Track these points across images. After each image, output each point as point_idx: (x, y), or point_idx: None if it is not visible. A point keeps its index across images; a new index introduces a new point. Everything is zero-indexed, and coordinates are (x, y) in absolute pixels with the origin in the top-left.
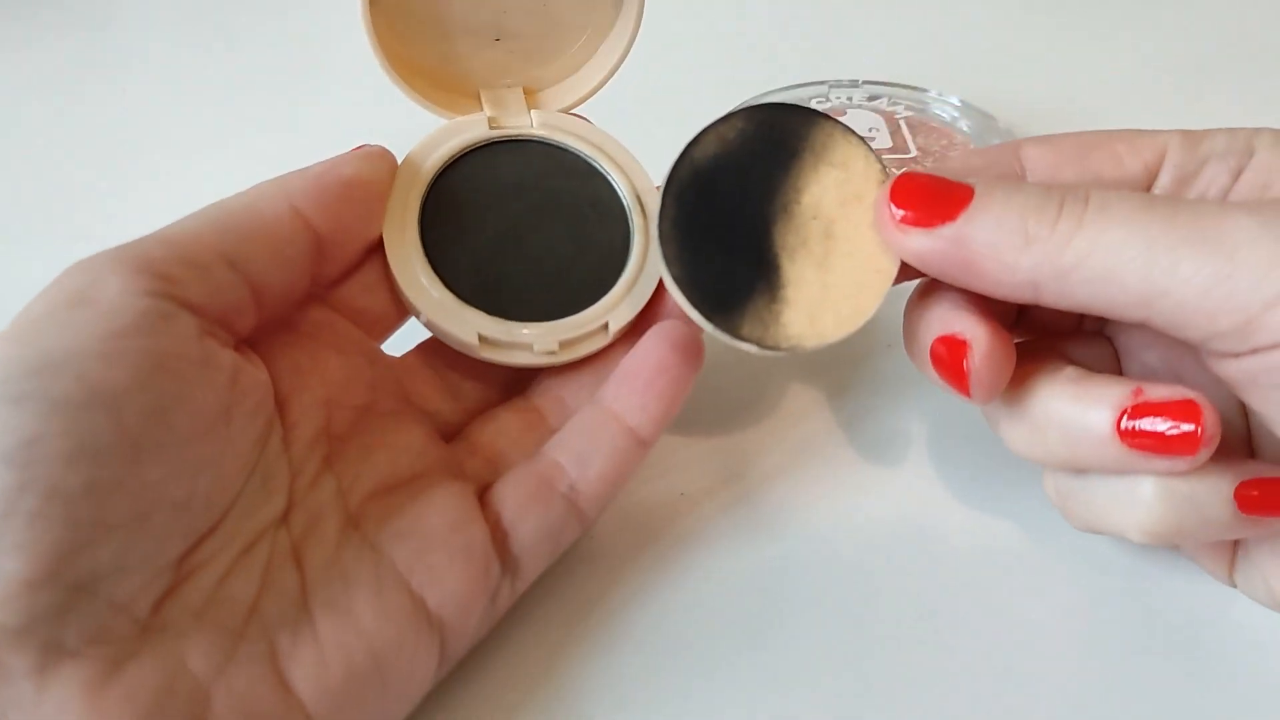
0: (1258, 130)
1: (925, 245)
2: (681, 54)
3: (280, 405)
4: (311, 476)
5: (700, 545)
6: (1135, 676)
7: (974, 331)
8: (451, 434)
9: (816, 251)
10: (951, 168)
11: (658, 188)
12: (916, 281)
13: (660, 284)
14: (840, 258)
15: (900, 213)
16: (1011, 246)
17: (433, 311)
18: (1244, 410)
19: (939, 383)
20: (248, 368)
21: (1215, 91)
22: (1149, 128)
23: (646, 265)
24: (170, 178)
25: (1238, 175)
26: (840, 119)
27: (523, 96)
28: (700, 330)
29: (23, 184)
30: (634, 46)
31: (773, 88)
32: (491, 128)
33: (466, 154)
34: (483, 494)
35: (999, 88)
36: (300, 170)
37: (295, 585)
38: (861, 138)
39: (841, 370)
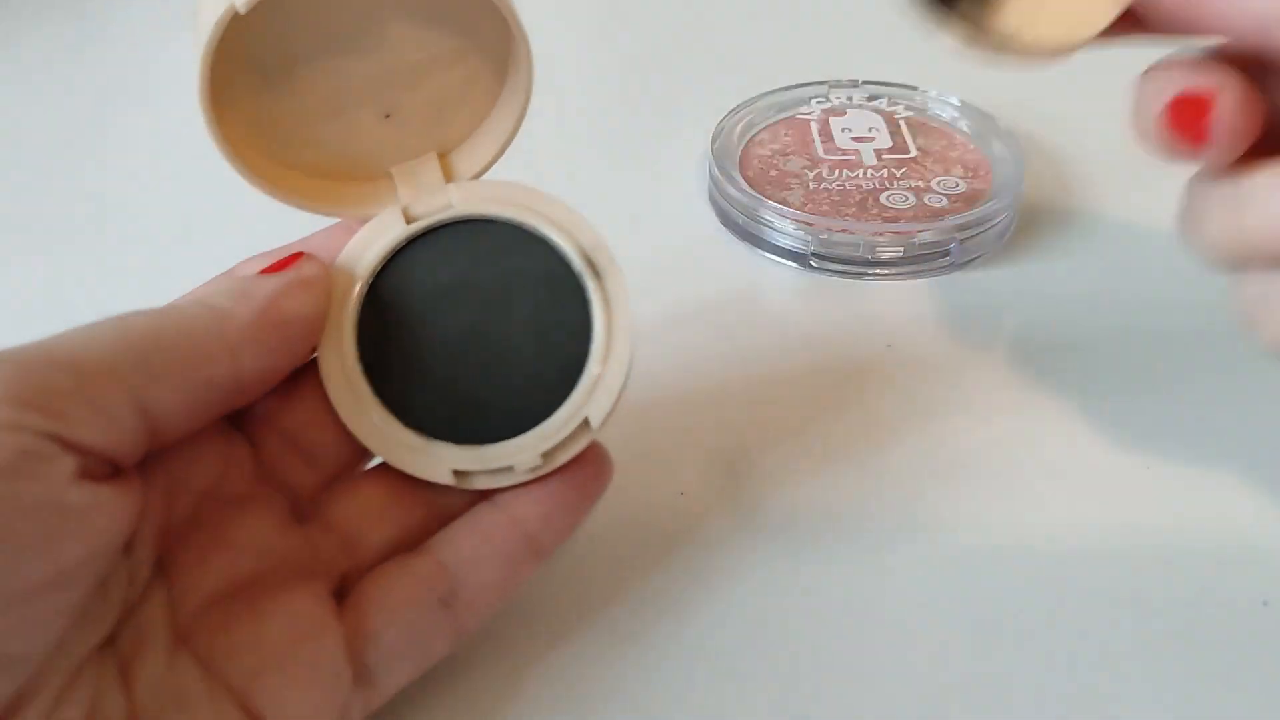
0: None
1: None
2: (680, 55)
3: None
4: (143, 584)
5: (700, 545)
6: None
7: (1222, 79)
8: (309, 506)
9: None
10: None
11: None
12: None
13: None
14: None
15: None
16: None
17: (399, 457)
18: None
19: (1173, 147)
20: (119, 501)
21: None
22: None
23: (614, 340)
24: (164, 182)
25: None
26: (846, 112)
27: (438, 166)
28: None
29: (14, 184)
30: (532, 94)
31: (773, 88)
32: (408, 221)
33: (391, 259)
34: (345, 585)
35: (998, 88)
36: (238, 295)
37: (123, 712)
38: None
39: (841, 369)
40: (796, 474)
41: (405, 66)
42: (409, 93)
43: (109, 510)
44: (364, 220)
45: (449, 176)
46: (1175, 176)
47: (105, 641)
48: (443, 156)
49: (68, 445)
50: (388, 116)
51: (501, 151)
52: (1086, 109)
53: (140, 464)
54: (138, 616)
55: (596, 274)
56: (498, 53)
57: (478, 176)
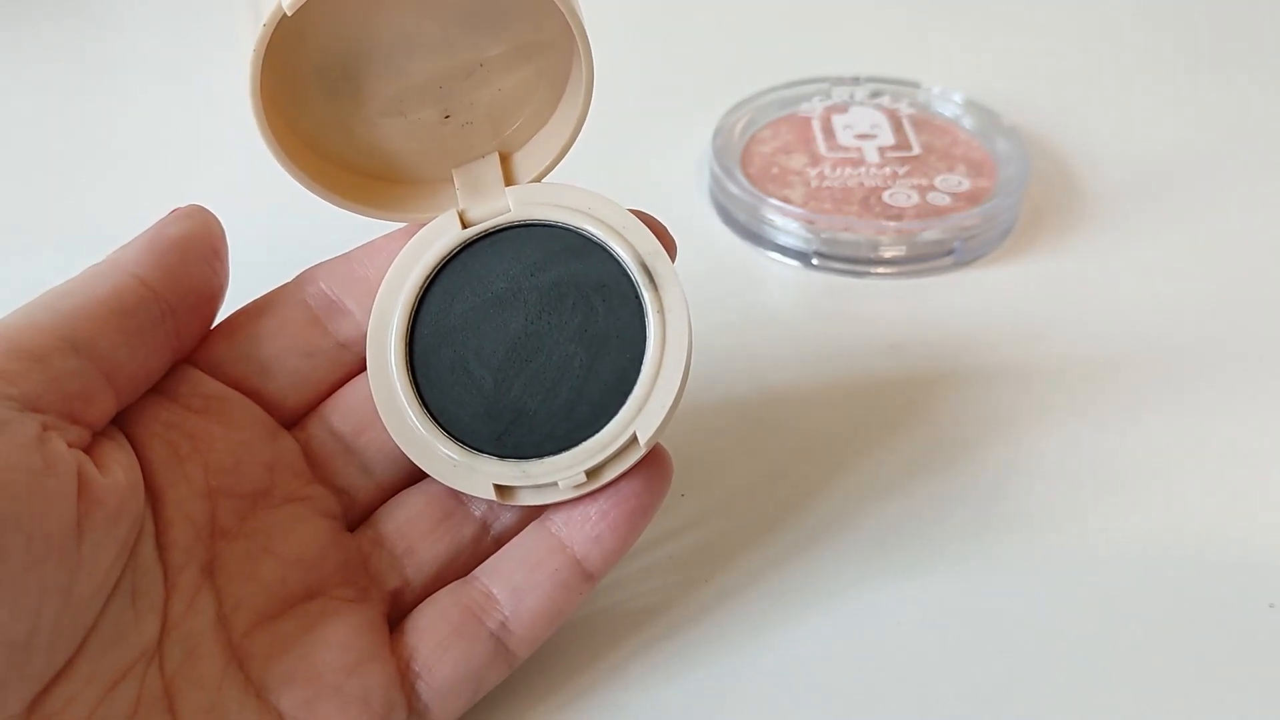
0: None
1: None
2: (681, 52)
3: (154, 500)
4: (189, 593)
5: (700, 546)
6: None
7: None
8: (360, 516)
9: None
10: None
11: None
12: None
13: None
14: None
15: None
16: None
17: (440, 470)
18: None
19: None
20: (99, 468)
21: (1219, 83)
22: (1153, 119)
23: (667, 351)
24: (168, 179)
25: None
26: (848, 109)
27: (499, 167)
28: (670, 466)
29: (16, 185)
30: (594, 91)
31: (775, 84)
32: (465, 225)
33: (445, 265)
34: (397, 608)
35: (1001, 84)
36: (126, 243)
37: None
38: None
39: (843, 370)
40: (797, 475)
41: (465, 68)
42: (469, 94)
43: (77, 471)
44: (423, 224)
45: (510, 179)
46: (1180, 172)
47: (146, 657)
48: (505, 159)
49: (19, 402)
50: (447, 117)
51: (563, 154)
52: (1091, 105)
53: (173, 464)
54: (186, 628)
55: (654, 283)
56: (559, 54)
57: (539, 179)
